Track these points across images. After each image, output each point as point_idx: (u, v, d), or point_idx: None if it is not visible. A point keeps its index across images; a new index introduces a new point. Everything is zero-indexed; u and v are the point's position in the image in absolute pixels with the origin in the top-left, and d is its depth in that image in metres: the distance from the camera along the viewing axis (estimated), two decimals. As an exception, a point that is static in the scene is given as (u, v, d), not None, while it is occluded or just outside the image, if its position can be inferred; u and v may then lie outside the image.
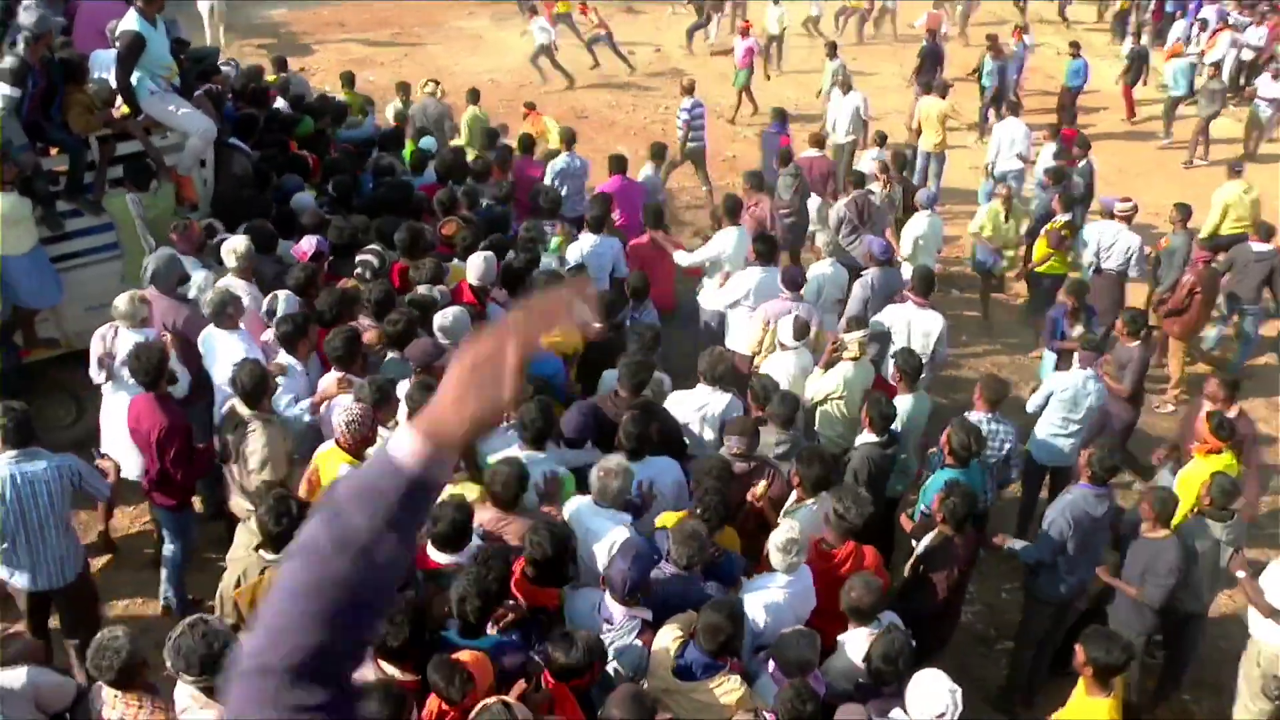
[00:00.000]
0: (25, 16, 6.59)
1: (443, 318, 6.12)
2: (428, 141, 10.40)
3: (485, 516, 4.69)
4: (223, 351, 5.95)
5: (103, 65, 7.12)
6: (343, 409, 5.13)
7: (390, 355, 6.01)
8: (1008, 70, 15.32)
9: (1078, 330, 8.14)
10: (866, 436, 6.13)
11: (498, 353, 1.32)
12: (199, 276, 6.65)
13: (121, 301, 6.03)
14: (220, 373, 5.87)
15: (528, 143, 10.36)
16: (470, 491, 4.89)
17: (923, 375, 7.01)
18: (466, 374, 1.32)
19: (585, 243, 8.14)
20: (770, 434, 5.87)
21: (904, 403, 6.55)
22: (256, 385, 5.32)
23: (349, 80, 12.23)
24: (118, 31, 6.86)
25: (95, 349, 6.13)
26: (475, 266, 6.82)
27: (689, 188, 13.59)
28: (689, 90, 12.79)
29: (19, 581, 5.29)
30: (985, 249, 10.57)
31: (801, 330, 7.00)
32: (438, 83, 12.62)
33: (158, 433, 5.50)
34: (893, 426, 6.15)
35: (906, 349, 7.08)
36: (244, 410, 5.40)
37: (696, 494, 5.01)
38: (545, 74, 17.38)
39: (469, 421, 1.32)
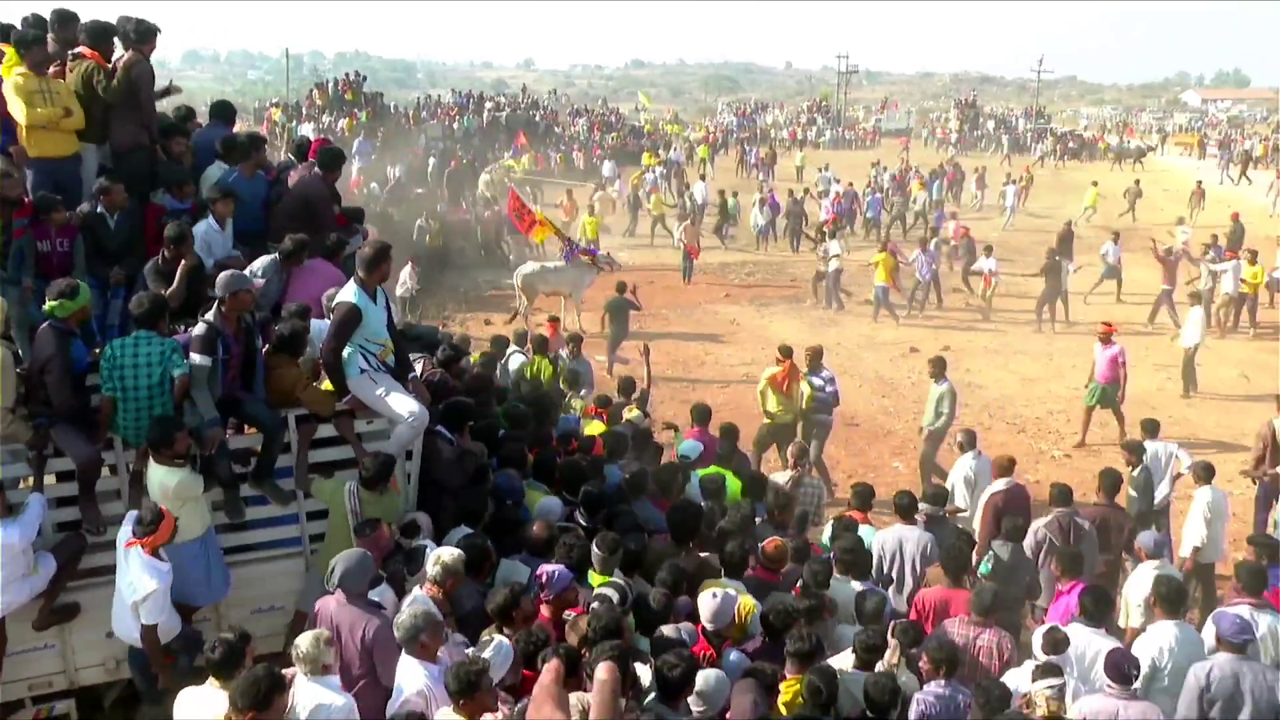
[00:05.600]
0: (220, 278, 6.08)
1: (704, 680, 5.01)
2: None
3: None
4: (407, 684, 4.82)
5: (317, 338, 6.41)
6: None
7: None
8: None
9: None
10: None
11: None
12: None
13: (304, 642, 4.68)
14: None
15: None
16: None
17: None
18: None
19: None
20: None
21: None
22: None
23: (541, 345, 11.48)
24: (334, 302, 6.18)
25: None
26: (707, 605, 5.71)
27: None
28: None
29: None
30: None
31: None
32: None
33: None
34: None
35: None
36: None
37: None
38: None
39: None
